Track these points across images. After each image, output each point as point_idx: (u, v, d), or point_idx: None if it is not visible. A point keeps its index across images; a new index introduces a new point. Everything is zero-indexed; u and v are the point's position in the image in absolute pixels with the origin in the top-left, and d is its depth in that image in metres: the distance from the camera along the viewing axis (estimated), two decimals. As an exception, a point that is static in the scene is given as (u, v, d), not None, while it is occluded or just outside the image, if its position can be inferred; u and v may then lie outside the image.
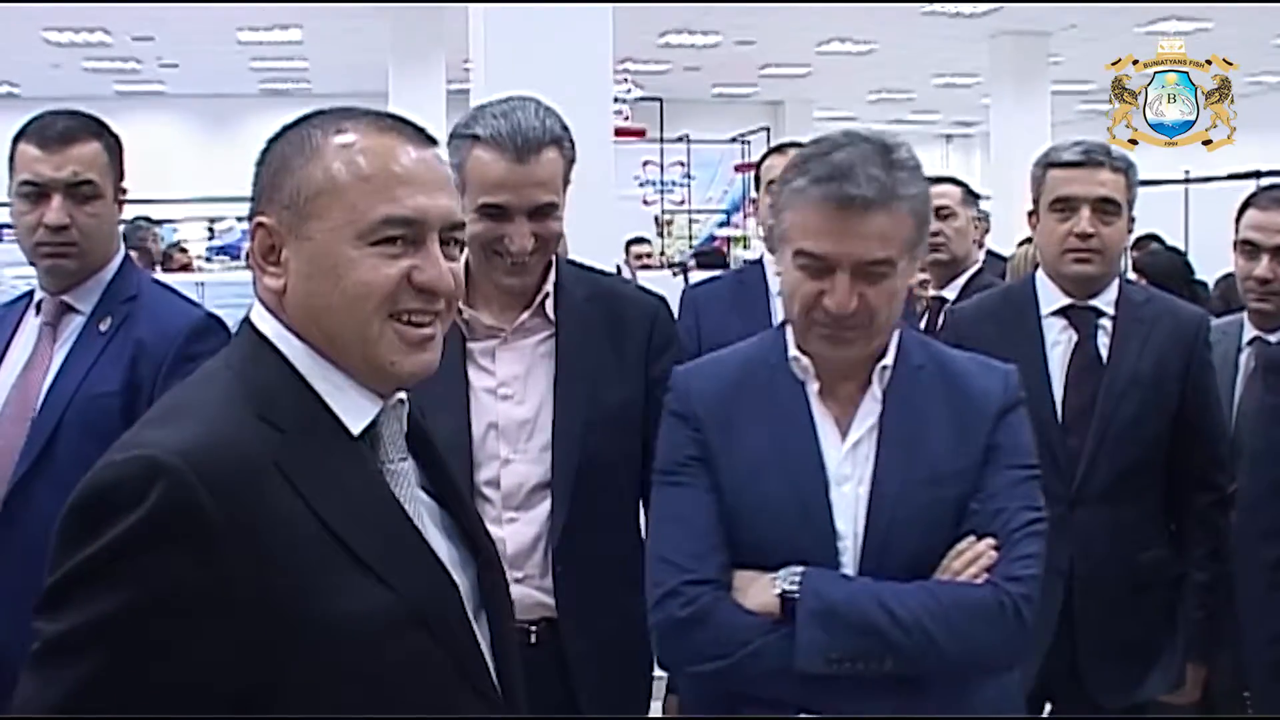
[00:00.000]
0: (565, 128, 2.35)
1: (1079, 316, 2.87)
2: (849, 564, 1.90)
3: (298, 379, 1.40)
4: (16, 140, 2.56)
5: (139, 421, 1.39)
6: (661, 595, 1.91)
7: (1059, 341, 2.87)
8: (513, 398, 2.35)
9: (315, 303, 1.39)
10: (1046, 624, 2.78)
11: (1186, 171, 10.72)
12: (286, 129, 1.46)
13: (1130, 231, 2.90)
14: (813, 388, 1.97)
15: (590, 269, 2.58)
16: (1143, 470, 2.81)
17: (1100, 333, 2.85)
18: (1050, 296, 2.90)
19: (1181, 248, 7.67)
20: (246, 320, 1.46)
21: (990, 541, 1.89)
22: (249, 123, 20.25)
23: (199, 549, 1.24)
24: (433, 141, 1.48)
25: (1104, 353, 2.83)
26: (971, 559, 1.89)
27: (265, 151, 1.45)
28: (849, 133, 1.92)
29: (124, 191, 2.64)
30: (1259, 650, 2.33)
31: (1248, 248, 3.13)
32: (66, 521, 1.28)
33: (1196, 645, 2.88)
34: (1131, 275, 6.08)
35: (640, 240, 10.26)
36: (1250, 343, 3.17)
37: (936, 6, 13.40)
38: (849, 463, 1.94)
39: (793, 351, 1.97)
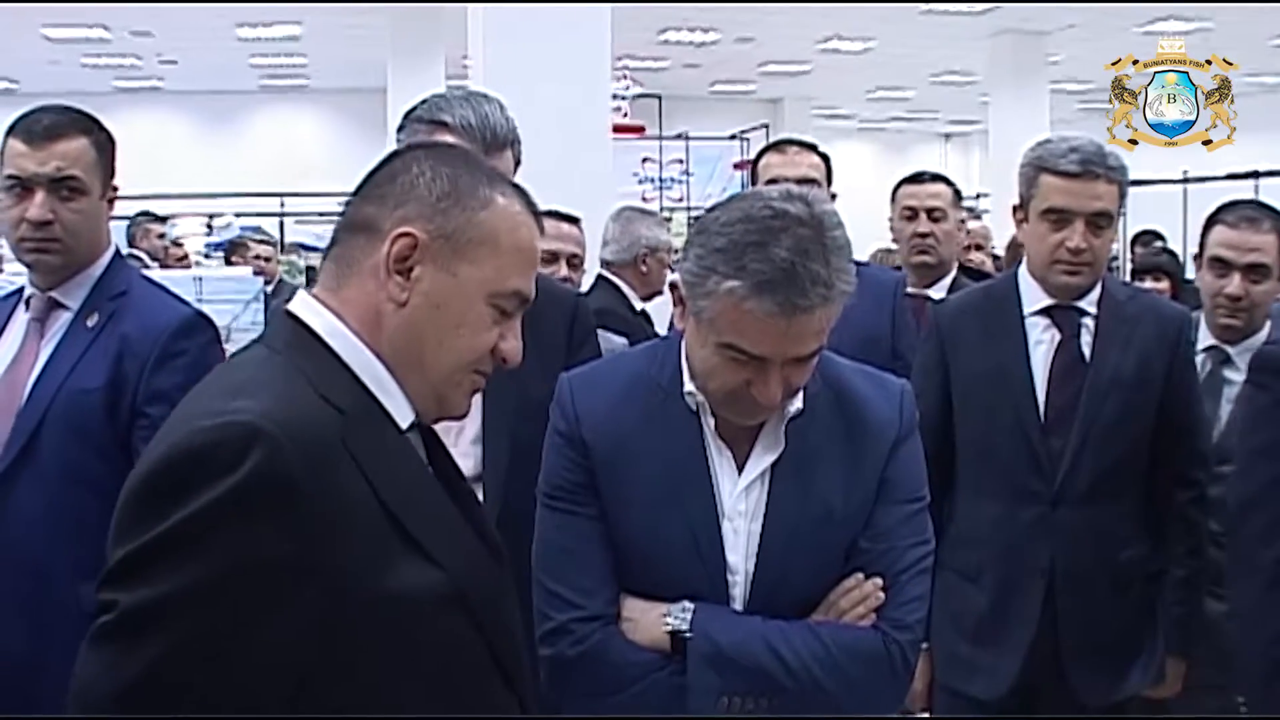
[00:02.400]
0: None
1: (1062, 316, 2.85)
2: (739, 598, 1.89)
3: (347, 371, 1.44)
4: (7, 135, 2.55)
5: (204, 395, 1.39)
6: (550, 631, 1.89)
7: (1042, 341, 2.85)
8: None
9: (426, 331, 1.46)
10: (1027, 622, 2.79)
11: (1185, 171, 10.73)
12: (450, 158, 1.53)
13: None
14: (709, 421, 1.91)
15: None
16: (1125, 469, 2.81)
17: (1084, 332, 2.84)
18: (1033, 296, 2.88)
19: (1180, 247, 7.68)
20: (287, 312, 1.48)
21: (878, 582, 1.88)
22: (248, 119, 20.29)
23: (287, 519, 1.26)
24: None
25: (1087, 352, 2.82)
26: (859, 598, 1.88)
27: (423, 163, 1.49)
28: (779, 210, 1.74)
29: (115, 189, 2.62)
30: (1257, 651, 2.30)
31: (1217, 265, 3.09)
32: (147, 487, 1.28)
33: (1176, 639, 2.89)
34: (1127, 277, 6.09)
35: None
36: (1207, 349, 3.16)
37: (935, 5, 13.39)
38: (743, 498, 1.90)
39: (689, 386, 1.90)
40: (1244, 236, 3.06)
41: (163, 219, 9.14)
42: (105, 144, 2.59)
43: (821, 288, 1.71)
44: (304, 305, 1.48)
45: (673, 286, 1.87)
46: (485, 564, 1.50)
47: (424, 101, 2.46)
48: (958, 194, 4.29)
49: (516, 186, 1.55)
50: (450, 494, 1.56)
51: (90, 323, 2.53)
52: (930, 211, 4.13)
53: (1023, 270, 2.94)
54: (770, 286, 1.70)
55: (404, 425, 1.47)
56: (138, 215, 8.62)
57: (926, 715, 3.05)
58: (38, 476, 2.44)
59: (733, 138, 17.24)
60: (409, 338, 1.45)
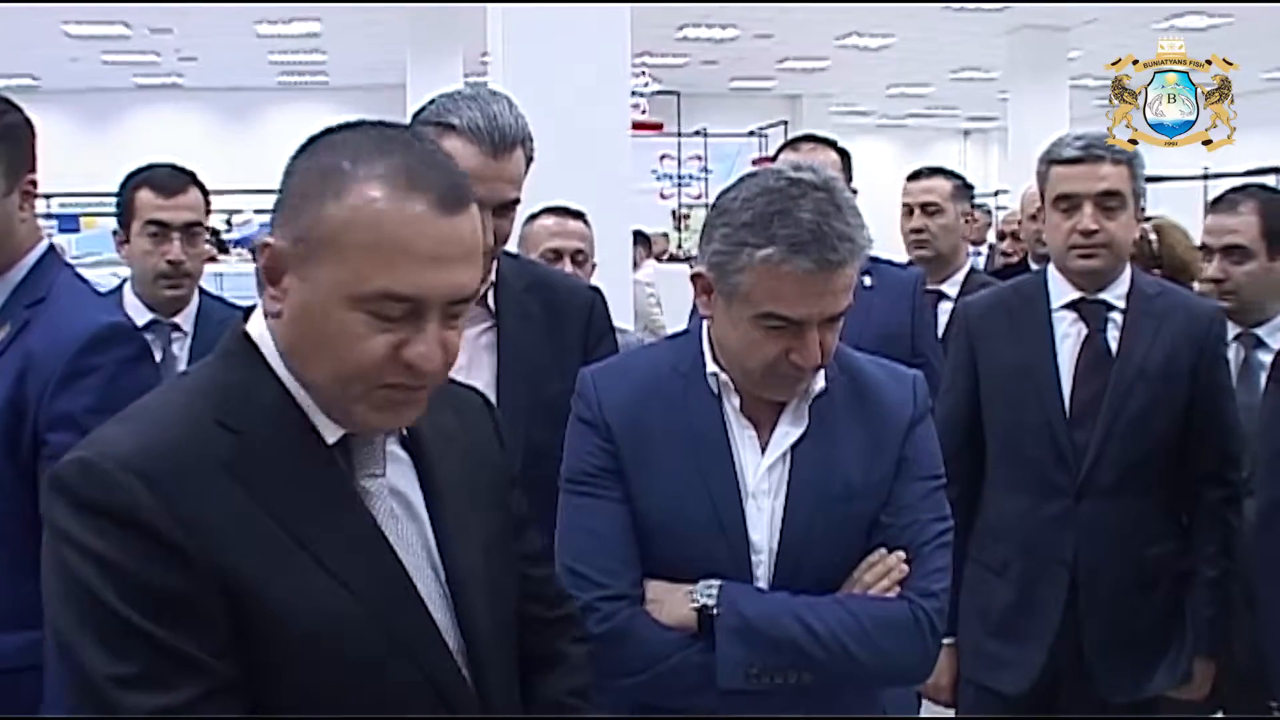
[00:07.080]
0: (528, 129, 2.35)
1: (1089, 309, 2.86)
2: (763, 577, 1.91)
3: (275, 381, 1.37)
4: None
5: (115, 417, 1.38)
6: (576, 610, 1.86)
7: (1069, 334, 2.86)
8: None
9: (301, 345, 1.35)
10: (1050, 616, 2.79)
11: (1205, 168, 10.69)
12: (323, 142, 1.37)
13: (1140, 222, 2.90)
14: (733, 401, 1.95)
15: (523, 259, 2.61)
16: (1150, 464, 2.80)
17: (1110, 326, 2.84)
18: (1060, 290, 2.89)
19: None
20: (243, 313, 1.43)
21: (901, 555, 1.91)
22: (267, 116, 20.34)
23: (149, 548, 1.24)
24: (467, 202, 1.35)
25: (1113, 346, 2.83)
26: (883, 572, 1.90)
27: (296, 159, 1.37)
28: (793, 179, 1.82)
29: (31, 183, 2.22)
30: None
31: (1204, 250, 3.19)
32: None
33: (1206, 641, 2.86)
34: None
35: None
36: (1235, 338, 3.16)
37: (954, 1, 13.37)
38: (766, 476, 1.93)
39: (711, 368, 1.95)
40: (1220, 220, 3.14)
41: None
42: (2, 134, 2.17)
43: (847, 243, 1.80)
44: (256, 310, 1.41)
45: (694, 278, 1.92)
46: (405, 581, 1.39)
47: (432, 102, 2.42)
48: (965, 186, 4.32)
49: (415, 160, 1.33)
50: (430, 500, 1.48)
51: (1, 335, 2.16)
52: (924, 206, 4.21)
53: (1050, 265, 2.96)
54: (803, 247, 1.77)
55: (330, 439, 1.37)
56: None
57: (952, 714, 3.04)
58: None
59: (751, 134, 17.24)
60: (288, 351, 1.36)
